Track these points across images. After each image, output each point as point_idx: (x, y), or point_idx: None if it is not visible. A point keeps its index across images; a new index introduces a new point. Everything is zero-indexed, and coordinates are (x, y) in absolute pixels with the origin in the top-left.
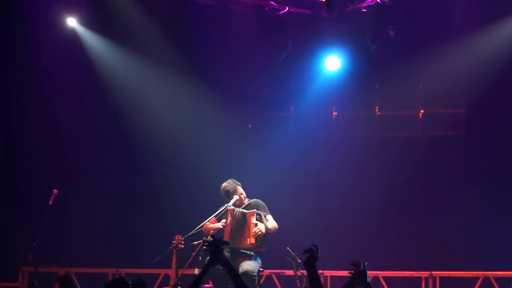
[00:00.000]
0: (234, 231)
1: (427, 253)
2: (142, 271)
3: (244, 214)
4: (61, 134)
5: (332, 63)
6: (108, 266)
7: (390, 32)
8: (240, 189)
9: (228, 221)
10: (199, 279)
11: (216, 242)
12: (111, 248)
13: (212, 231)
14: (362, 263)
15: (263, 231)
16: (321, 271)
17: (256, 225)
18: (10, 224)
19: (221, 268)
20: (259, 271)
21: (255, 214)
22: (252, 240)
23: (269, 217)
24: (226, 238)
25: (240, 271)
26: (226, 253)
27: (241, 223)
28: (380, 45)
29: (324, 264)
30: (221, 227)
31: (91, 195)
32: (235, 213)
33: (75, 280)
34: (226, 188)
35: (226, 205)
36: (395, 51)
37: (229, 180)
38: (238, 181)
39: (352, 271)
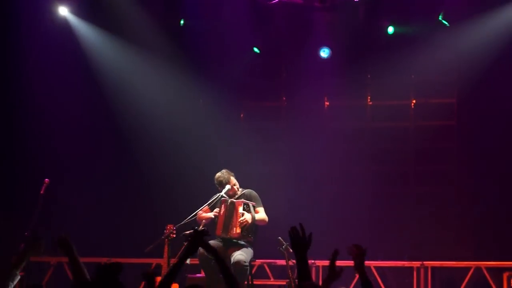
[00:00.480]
0: (226, 222)
1: (419, 243)
2: (134, 261)
3: (233, 203)
4: (52, 125)
5: (324, 51)
6: (100, 256)
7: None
8: (233, 180)
9: (222, 212)
10: (176, 268)
11: (198, 234)
12: (103, 237)
13: (204, 220)
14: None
15: (249, 221)
16: (312, 261)
17: (242, 214)
18: (0, 213)
19: (212, 257)
20: (251, 260)
21: (242, 204)
22: (238, 230)
23: (260, 209)
24: (219, 228)
25: (232, 261)
26: (218, 242)
27: (231, 213)
28: (373, 36)
29: (316, 254)
30: (213, 216)
31: (82, 184)
32: (228, 203)
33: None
34: (220, 179)
35: (218, 194)
36: (387, 41)
37: (223, 171)
38: (231, 171)
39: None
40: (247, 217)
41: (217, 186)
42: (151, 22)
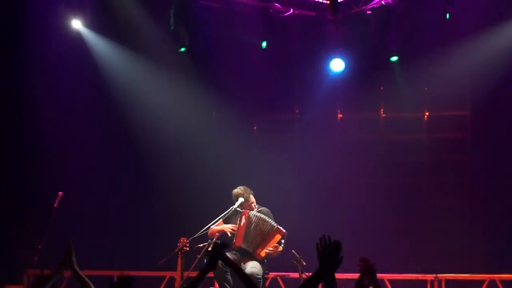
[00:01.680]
0: (249, 234)
1: (432, 256)
2: (148, 274)
3: (271, 225)
4: (65, 136)
5: (337, 64)
6: (113, 269)
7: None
8: (252, 198)
9: (243, 223)
10: (197, 282)
11: (219, 247)
12: (117, 250)
13: (217, 234)
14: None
15: (276, 254)
16: None
17: (276, 246)
18: (15, 226)
19: (227, 270)
20: (264, 273)
21: (282, 235)
22: (263, 254)
23: None
24: (239, 239)
25: None
26: (233, 255)
27: (259, 230)
28: (385, 47)
29: None
30: (228, 232)
31: (96, 197)
32: (250, 216)
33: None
34: (239, 195)
35: (232, 207)
36: (400, 53)
37: (243, 187)
38: (247, 185)
39: (360, 266)
40: (279, 249)
41: (234, 200)
42: (164, 35)
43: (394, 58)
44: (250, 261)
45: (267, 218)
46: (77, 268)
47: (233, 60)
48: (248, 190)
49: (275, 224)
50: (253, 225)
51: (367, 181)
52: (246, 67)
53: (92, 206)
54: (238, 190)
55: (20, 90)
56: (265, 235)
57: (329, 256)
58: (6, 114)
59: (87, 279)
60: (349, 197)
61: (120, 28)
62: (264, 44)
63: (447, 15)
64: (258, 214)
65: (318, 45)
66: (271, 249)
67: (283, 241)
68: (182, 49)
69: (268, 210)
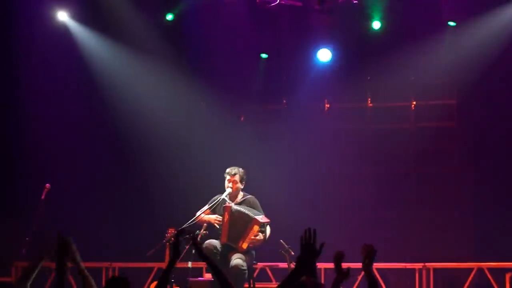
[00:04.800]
0: (232, 230)
1: (420, 245)
2: (136, 265)
3: (249, 217)
4: (52, 128)
5: (324, 54)
6: (101, 260)
7: None
8: (242, 184)
9: (226, 219)
10: (166, 274)
11: (177, 237)
12: (105, 242)
13: (205, 224)
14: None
15: (260, 242)
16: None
17: (256, 236)
18: (2, 218)
19: (218, 257)
20: (252, 264)
21: (260, 224)
22: (245, 246)
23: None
24: (224, 236)
25: (230, 265)
26: (220, 248)
27: (240, 224)
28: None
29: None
30: (216, 224)
31: (83, 189)
32: (232, 211)
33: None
34: (244, 175)
35: (219, 197)
36: (386, 42)
37: (243, 170)
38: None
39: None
40: (260, 238)
41: (239, 179)
42: (151, 26)
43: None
44: (236, 253)
45: (245, 210)
46: (82, 265)
47: (220, 51)
48: (244, 175)
49: (252, 215)
50: (235, 220)
51: (354, 171)
52: (233, 57)
53: (80, 198)
54: (242, 170)
55: (5, 83)
56: (244, 228)
57: (308, 246)
58: None
59: (90, 277)
60: (336, 187)
61: (106, 20)
62: (264, 55)
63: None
64: (239, 207)
65: (305, 35)
66: (252, 238)
67: (265, 229)
68: (170, 16)
69: (254, 198)
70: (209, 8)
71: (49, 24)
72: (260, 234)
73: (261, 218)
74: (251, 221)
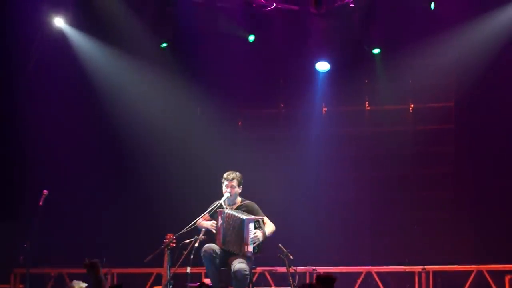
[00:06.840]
0: (228, 235)
1: (419, 248)
2: (134, 271)
3: (241, 221)
4: (49, 134)
5: (322, 66)
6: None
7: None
8: (239, 188)
9: (219, 224)
10: None
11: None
12: (103, 247)
13: (203, 229)
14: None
15: (261, 238)
16: (313, 268)
17: (254, 232)
18: (0, 225)
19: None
20: (251, 268)
21: (253, 221)
22: (250, 248)
23: (265, 219)
24: (219, 242)
25: (232, 270)
26: (219, 252)
27: (236, 229)
28: (369, 41)
29: (316, 260)
30: (213, 230)
31: (81, 195)
32: (225, 215)
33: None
34: (242, 179)
35: (217, 202)
36: (384, 45)
37: (239, 174)
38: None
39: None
40: (259, 235)
41: (237, 184)
42: (148, 32)
43: (376, 51)
44: (237, 258)
45: (235, 213)
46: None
47: (217, 56)
48: (241, 179)
49: (241, 216)
50: (227, 224)
51: (352, 174)
52: (230, 62)
53: (78, 203)
54: (239, 175)
55: (2, 88)
56: (239, 231)
57: None
58: None
59: None
60: (335, 190)
61: (102, 25)
62: (251, 38)
63: (432, 5)
64: (231, 211)
65: (302, 39)
66: (252, 237)
67: (261, 225)
68: (164, 45)
69: (252, 204)
70: (206, 13)
71: (46, 30)
72: (257, 231)
73: (252, 217)
74: (242, 222)
